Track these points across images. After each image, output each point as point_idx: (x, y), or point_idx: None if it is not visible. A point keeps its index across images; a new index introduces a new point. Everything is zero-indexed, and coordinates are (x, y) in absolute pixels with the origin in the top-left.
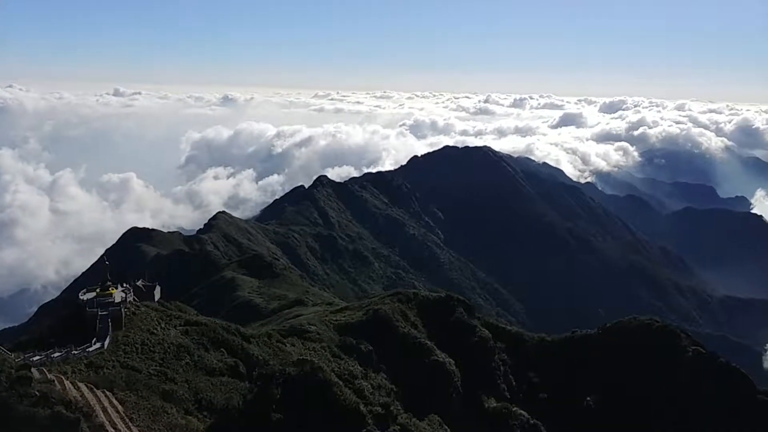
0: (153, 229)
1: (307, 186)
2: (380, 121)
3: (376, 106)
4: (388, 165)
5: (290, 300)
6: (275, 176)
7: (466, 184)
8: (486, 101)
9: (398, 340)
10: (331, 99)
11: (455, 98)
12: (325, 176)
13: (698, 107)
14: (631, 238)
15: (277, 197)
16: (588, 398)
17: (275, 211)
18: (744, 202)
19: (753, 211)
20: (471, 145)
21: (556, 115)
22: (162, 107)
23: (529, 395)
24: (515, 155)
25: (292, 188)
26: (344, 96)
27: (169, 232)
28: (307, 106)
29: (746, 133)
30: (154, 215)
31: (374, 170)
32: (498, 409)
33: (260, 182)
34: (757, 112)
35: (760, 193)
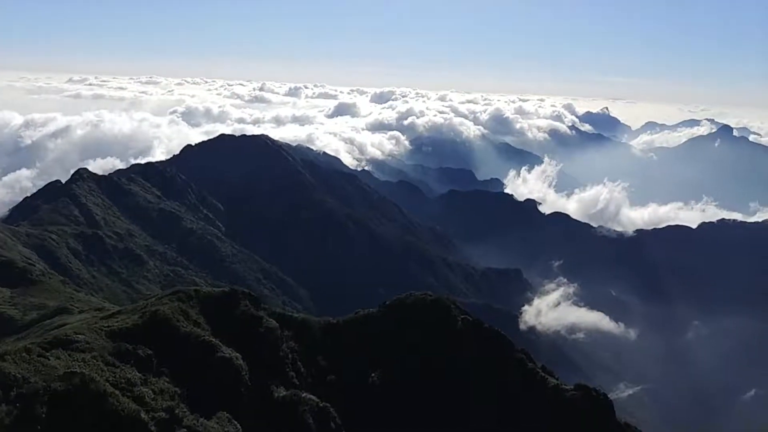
0: None
1: (64, 181)
2: (147, 108)
3: (142, 92)
4: (159, 155)
5: (52, 309)
6: (24, 171)
7: (245, 174)
8: (261, 89)
9: (180, 340)
10: (89, 84)
11: (229, 85)
12: (86, 169)
13: (458, 98)
14: (405, 220)
15: (28, 195)
16: (372, 374)
17: (26, 210)
18: (498, 183)
19: (506, 191)
20: (249, 133)
21: (331, 104)
22: None
23: (317, 379)
24: (296, 144)
25: (46, 184)
26: (104, 81)
27: None
28: (61, 92)
29: (498, 122)
30: None
31: (144, 161)
32: (287, 397)
33: (5, 178)
34: (506, 102)
35: (512, 173)
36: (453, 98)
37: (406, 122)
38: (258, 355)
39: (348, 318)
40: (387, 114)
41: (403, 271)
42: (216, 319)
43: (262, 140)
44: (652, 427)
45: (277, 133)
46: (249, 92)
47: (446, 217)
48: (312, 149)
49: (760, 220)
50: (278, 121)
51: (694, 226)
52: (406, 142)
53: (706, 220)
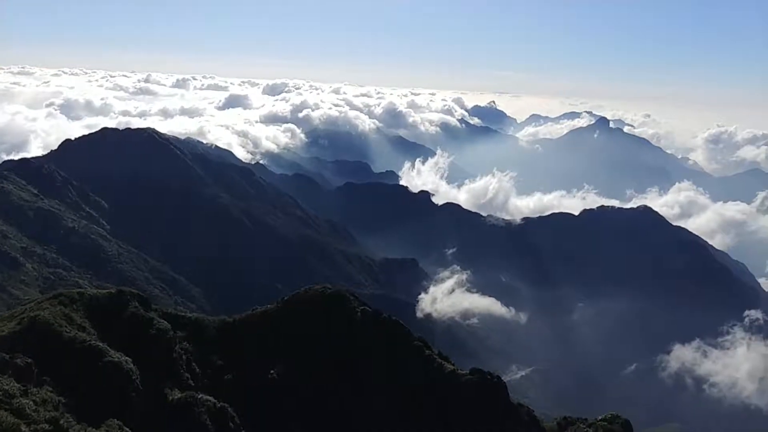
0: None
1: None
2: (21, 100)
3: (14, 84)
4: (35, 150)
5: None
6: None
7: (131, 169)
8: (146, 81)
9: (64, 346)
10: None
11: (111, 76)
12: None
13: (352, 91)
14: (302, 213)
15: None
16: (272, 371)
17: None
18: (393, 175)
19: (401, 183)
20: (134, 126)
21: (222, 96)
22: None
23: (214, 380)
24: (185, 137)
25: None
26: None
27: None
28: None
29: (392, 116)
30: None
31: (17, 157)
32: (182, 399)
33: None
34: (399, 96)
35: (406, 166)
36: (347, 91)
37: (301, 115)
38: (150, 357)
39: (245, 315)
40: (281, 106)
41: (302, 266)
42: (103, 323)
43: (149, 133)
44: (543, 406)
45: (165, 126)
46: (133, 84)
47: (344, 209)
48: (203, 142)
49: (635, 206)
50: (166, 114)
51: (576, 213)
52: (302, 135)
53: (587, 207)
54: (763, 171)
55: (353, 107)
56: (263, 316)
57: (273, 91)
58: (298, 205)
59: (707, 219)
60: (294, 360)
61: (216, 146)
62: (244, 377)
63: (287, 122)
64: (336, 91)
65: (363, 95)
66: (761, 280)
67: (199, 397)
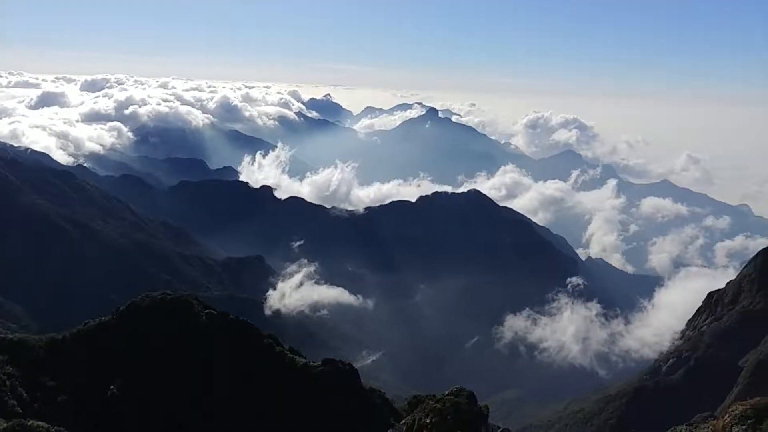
0: None
1: None
2: None
3: None
4: None
5: None
6: None
7: None
8: None
9: None
10: None
11: None
12: None
13: (181, 85)
14: (133, 217)
15: None
16: (111, 387)
17: None
18: (232, 171)
19: (240, 179)
20: None
21: (34, 94)
22: None
23: (46, 403)
24: None
25: None
26: None
27: None
28: None
29: (227, 110)
30: None
31: None
32: (9, 428)
33: None
34: (232, 89)
35: (245, 161)
36: (176, 85)
37: (127, 112)
38: None
39: (76, 331)
40: (104, 103)
41: (138, 273)
42: None
43: None
44: (393, 387)
45: None
46: None
47: (180, 209)
48: (14, 146)
49: (465, 190)
50: None
51: (413, 200)
52: (129, 134)
53: (423, 194)
54: (575, 152)
55: (184, 102)
56: (98, 330)
57: (93, 87)
58: (128, 208)
59: (530, 198)
60: (135, 374)
61: (31, 150)
62: (81, 397)
63: (112, 120)
64: (164, 86)
65: (194, 89)
66: (579, 251)
67: (29, 423)
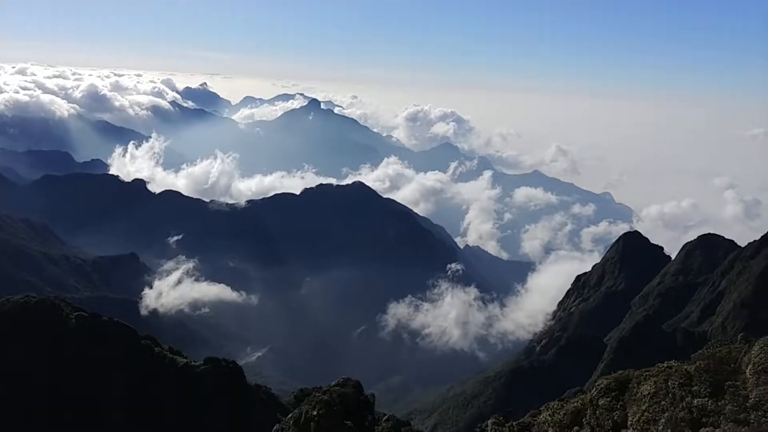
0: None
1: None
2: None
3: None
4: None
5: None
6: None
7: None
8: None
9: None
10: None
11: None
12: None
13: (42, 72)
14: None
15: None
16: None
17: None
18: (101, 164)
19: (111, 172)
20: None
21: None
22: None
23: None
24: None
25: None
26: None
27: None
28: None
29: (94, 99)
30: None
31: None
32: None
33: None
34: (100, 77)
35: (116, 153)
36: (36, 72)
37: None
38: None
39: None
40: None
41: None
42: None
43: None
44: (280, 382)
45: None
46: None
47: (44, 206)
48: None
49: (350, 182)
50: None
51: (297, 192)
52: None
53: (307, 186)
54: (452, 144)
55: (46, 90)
56: None
57: None
58: None
59: (411, 189)
60: (11, 379)
61: None
62: None
63: None
64: (22, 72)
65: (57, 76)
66: (457, 239)
67: None
